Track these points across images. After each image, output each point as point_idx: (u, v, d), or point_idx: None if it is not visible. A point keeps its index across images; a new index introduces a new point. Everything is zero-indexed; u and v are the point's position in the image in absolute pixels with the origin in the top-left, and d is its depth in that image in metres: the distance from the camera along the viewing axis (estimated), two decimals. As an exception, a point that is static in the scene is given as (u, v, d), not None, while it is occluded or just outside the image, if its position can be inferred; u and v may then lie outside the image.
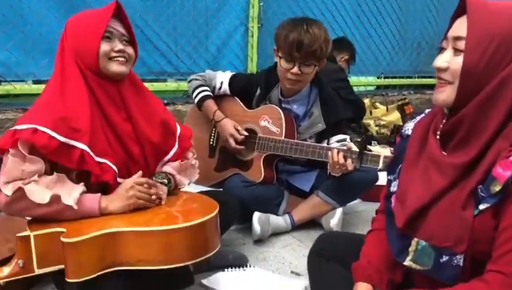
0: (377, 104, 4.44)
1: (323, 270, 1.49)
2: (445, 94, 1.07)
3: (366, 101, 4.37)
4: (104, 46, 1.49)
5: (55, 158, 1.42)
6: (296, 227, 2.39)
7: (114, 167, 1.53)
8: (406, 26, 4.88)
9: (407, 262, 1.15)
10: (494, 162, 1.02)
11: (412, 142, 1.23)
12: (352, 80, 4.51)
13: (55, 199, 1.38)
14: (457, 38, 1.05)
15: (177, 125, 1.81)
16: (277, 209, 2.34)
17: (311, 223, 2.42)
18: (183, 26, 3.61)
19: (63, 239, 1.32)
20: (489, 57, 1.00)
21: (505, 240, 1.00)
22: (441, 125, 1.13)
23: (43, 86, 3.12)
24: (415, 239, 1.12)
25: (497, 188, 1.00)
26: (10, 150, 1.38)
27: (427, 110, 1.30)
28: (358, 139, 1.99)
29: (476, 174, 1.04)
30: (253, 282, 1.90)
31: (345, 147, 2.06)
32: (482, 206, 1.03)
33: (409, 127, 1.31)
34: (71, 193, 1.42)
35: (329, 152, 2.05)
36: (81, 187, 1.46)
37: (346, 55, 3.51)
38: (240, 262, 2.01)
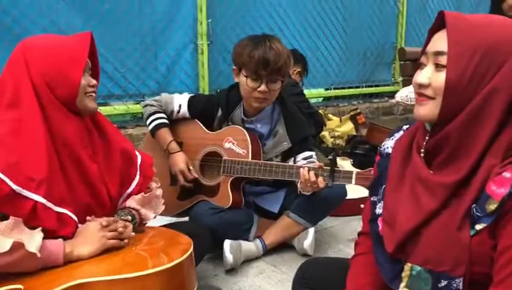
0: (330, 115, 4.45)
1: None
2: (427, 109, 1.03)
3: (320, 112, 4.37)
4: (83, 81, 1.39)
5: (4, 207, 1.25)
6: (268, 251, 2.28)
7: (74, 218, 1.39)
8: (352, 37, 4.95)
9: (402, 289, 1.07)
10: (486, 179, 0.97)
11: (394, 161, 1.16)
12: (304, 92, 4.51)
13: (17, 246, 1.20)
14: (438, 54, 1.01)
15: (137, 153, 1.68)
16: (247, 235, 2.23)
17: (284, 246, 2.33)
18: (130, 47, 3.45)
19: None
20: (472, 71, 0.96)
21: (506, 263, 0.94)
22: (424, 143, 1.08)
23: None
24: (408, 264, 1.06)
25: (493, 206, 0.95)
26: None
27: (405, 127, 1.25)
28: (330, 157, 1.94)
29: (469, 193, 0.99)
30: (231, 317, 1.78)
31: (312, 165, 2.00)
32: (478, 227, 0.97)
33: (388, 145, 1.25)
34: (32, 240, 1.24)
35: (301, 170, 1.98)
36: (40, 233, 1.28)
37: (298, 68, 3.46)
38: (217, 297, 1.88)
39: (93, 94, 1.45)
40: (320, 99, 5.21)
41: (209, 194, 2.21)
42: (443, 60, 0.99)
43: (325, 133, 4.28)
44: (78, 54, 1.38)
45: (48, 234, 1.32)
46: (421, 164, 1.08)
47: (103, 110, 3.34)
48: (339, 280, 1.27)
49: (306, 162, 2.19)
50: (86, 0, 3.19)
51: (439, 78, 0.99)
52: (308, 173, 1.96)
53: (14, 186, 1.25)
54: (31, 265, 1.26)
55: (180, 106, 2.27)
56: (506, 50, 0.96)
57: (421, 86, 1.03)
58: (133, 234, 1.50)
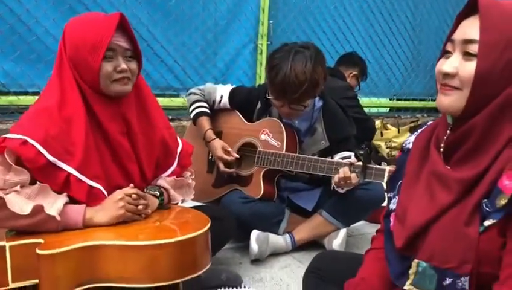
0: (388, 125, 4.33)
1: (319, 291, 1.38)
2: (452, 99, 0.96)
3: (377, 122, 4.27)
4: (107, 67, 1.38)
5: (39, 176, 1.34)
6: (297, 248, 2.27)
7: (105, 193, 1.45)
8: (419, 48, 4.80)
9: (407, 286, 1.03)
10: (500, 173, 0.91)
11: (412, 157, 1.13)
12: (364, 101, 4.43)
13: (38, 209, 1.30)
14: (468, 42, 0.94)
15: (179, 141, 1.73)
16: (277, 228, 2.23)
17: (313, 244, 2.30)
18: (192, 42, 3.58)
19: (38, 251, 1.23)
20: (504, 63, 0.90)
21: (508, 263, 0.89)
22: (445, 137, 1.03)
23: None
24: (416, 260, 1.01)
25: (503, 201, 0.89)
26: None
27: (429, 122, 1.20)
28: (361, 152, 1.89)
29: (480, 187, 0.94)
30: (246, 304, 1.78)
31: (346, 160, 1.96)
32: (487, 222, 0.92)
33: (410, 141, 1.21)
34: (54, 204, 1.34)
35: (333, 166, 1.95)
36: (64, 198, 1.37)
37: (354, 71, 3.38)
38: (234, 282, 1.89)
39: (124, 79, 1.42)
40: (384, 109, 5.08)
41: (242, 184, 2.23)
42: (473, 48, 0.92)
43: (381, 143, 4.18)
44: (99, 38, 1.36)
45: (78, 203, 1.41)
46: (438, 159, 1.04)
47: (161, 101, 3.48)
48: (350, 273, 1.25)
49: (343, 161, 2.15)
50: (152, -6, 3.36)
51: (468, 68, 0.93)
52: (342, 168, 1.93)
53: (50, 157, 1.34)
54: (52, 227, 1.34)
55: (222, 96, 2.32)
56: None
57: (446, 75, 0.96)
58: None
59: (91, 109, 1.43)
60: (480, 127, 0.94)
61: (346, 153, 2.20)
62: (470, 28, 0.94)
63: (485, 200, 0.93)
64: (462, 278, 0.94)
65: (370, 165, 1.88)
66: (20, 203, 1.29)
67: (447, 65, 0.96)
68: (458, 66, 0.95)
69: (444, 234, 0.97)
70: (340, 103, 2.36)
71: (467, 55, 0.94)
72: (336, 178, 1.94)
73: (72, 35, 1.41)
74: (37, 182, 1.34)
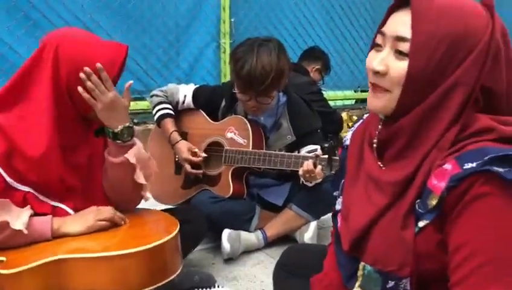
0: (354, 117, 4.39)
1: (288, 286, 1.39)
2: (383, 102, 0.93)
3: (343, 114, 4.32)
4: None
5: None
6: (269, 243, 2.28)
7: (71, 212, 1.44)
8: (380, 39, 4.87)
9: (356, 289, 1.03)
10: (429, 172, 0.90)
11: (350, 155, 1.10)
12: (329, 94, 4.48)
13: (3, 225, 1.27)
14: (399, 39, 0.89)
15: None
16: (248, 225, 2.23)
17: (285, 239, 2.31)
18: (153, 44, 3.55)
19: (0, 271, 1.20)
20: (436, 63, 0.87)
21: (460, 263, 0.86)
22: (377, 132, 1.00)
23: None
24: (362, 263, 1.01)
25: (434, 201, 0.87)
26: None
27: (365, 116, 1.16)
28: (326, 145, 1.90)
29: (412, 189, 0.92)
30: (220, 303, 1.78)
31: (311, 154, 1.97)
32: (421, 223, 0.90)
33: (347, 137, 1.18)
34: (19, 218, 1.30)
35: (299, 160, 1.97)
36: (28, 210, 1.34)
37: (317, 65, 3.42)
38: (207, 283, 1.88)
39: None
40: (350, 102, 5.15)
41: (211, 184, 2.23)
42: (405, 47, 0.88)
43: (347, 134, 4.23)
44: (106, 70, 1.36)
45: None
46: (371, 159, 1.01)
47: (125, 104, 3.45)
48: (319, 266, 1.25)
49: (309, 155, 2.17)
50: (110, -3, 3.31)
51: (399, 68, 0.89)
52: (307, 162, 1.94)
53: (8, 179, 1.32)
54: (20, 241, 1.31)
55: (185, 96, 2.31)
56: (472, 42, 0.87)
57: (376, 73, 0.92)
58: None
59: (59, 128, 1.39)
60: (409, 127, 0.91)
61: (312, 147, 2.22)
62: (402, 25, 0.89)
63: (418, 201, 0.91)
64: (403, 280, 0.93)
65: (335, 157, 1.90)
66: None
67: (377, 61, 0.91)
68: (389, 63, 0.91)
69: (384, 238, 0.96)
70: (305, 98, 2.38)
71: (398, 53, 0.90)
72: (300, 171, 1.95)
73: (73, 56, 1.36)
74: None
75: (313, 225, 2.28)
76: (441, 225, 0.89)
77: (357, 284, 1.02)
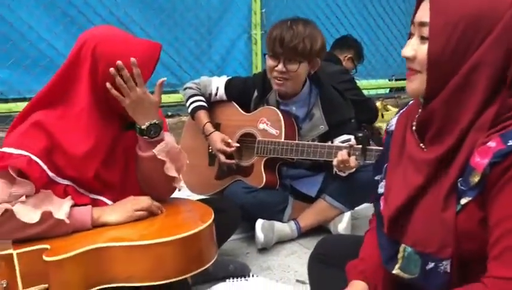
0: (389, 106, 4.33)
1: (323, 276, 1.39)
2: (416, 83, 0.98)
3: (378, 104, 4.26)
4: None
5: (43, 188, 1.37)
6: (303, 234, 2.28)
7: (109, 203, 1.49)
8: (415, 26, 4.76)
9: (396, 271, 1.05)
10: (471, 152, 0.92)
11: (394, 139, 1.13)
12: (363, 83, 4.42)
13: (46, 215, 1.32)
14: (421, 24, 0.95)
15: None
16: (281, 216, 2.24)
17: (319, 229, 2.31)
18: (185, 37, 3.59)
19: (45, 258, 1.25)
20: (455, 43, 0.90)
21: (499, 237, 0.88)
22: (417, 116, 1.04)
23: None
24: (403, 245, 1.02)
25: (476, 178, 0.90)
26: None
27: (411, 102, 1.19)
28: (360, 134, 1.89)
29: (454, 168, 0.94)
30: (255, 292, 1.80)
31: (345, 144, 1.96)
32: (463, 201, 0.93)
33: (393, 123, 1.20)
34: (61, 208, 1.35)
35: (333, 150, 1.96)
36: (69, 201, 1.40)
37: (349, 54, 3.37)
38: (242, 272, 1.91)
39: None
40: (384, 91, 5.06)
41: (244, 174, 2.24)
42: (426, 31, 0.93)
43: (382, 124, 4.17)
44: (142, 69, 1.38)
45: None
46: (412, 141, 1.05)
47: (159, 98, 3.51)
48: (354, 256, 1.25)
49: (343, 145, 2.15)
50: (143, -9, 3.36)
51: (423, 51, 0.94)
52: (340, 152, 1.93)
53: (51, 174, 1.37)
54: (62, 230, 1.37)
55: (217, 88, 2.33)
56: (491, 21, 0.89)
57: (408, 59, 0.99)
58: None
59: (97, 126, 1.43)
60: (439, 108, 0.95)
61: (345, 137, 2.20)
62: (424, 11, 0.95)
63: (460, 179, 0.93)
64: (444, 262, 0.94)
65: (369, 147, 1.88)
66: (28, 213, 1.30)
67: (406, 49, 0.99)
68: (416, 48, 0.96)
69: (424, 220, 0.98)
70: (338, 87, 2.35)
71: (422, 38, 0.95)
72: (334, 162, 1.94)
73: (111, 55, 1.38)
74: (41, 190, 1.36)
75: (347, 215, 2.27)
76: (483, 202, 0.91)
77: (397, 266, 1.04)
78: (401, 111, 1.18)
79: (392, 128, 1.18)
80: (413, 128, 1.05)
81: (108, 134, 1.46)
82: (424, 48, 0.94)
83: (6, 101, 3.05)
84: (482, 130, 0.91)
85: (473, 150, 0.91)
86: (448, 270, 0.94)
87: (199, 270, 1.41)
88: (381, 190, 1.16)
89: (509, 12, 0.89)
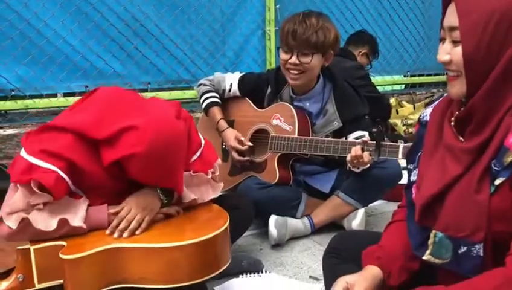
0: (404, 102, 4.29)
1: (337, 272, 1.37)
2: (457, 87, 1.01)
3: (392, 100, 4.22)
4: None
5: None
6: (317, 230, 2.28)
7: None
8: (430, 22, 4.69)
9: (426, 256, 1.06)
10: (506, 134, 0.94)
11: (430, 130, 1.15)
12: (378, 79, 4.38)
13: (63, 223, 1.34)
14: (451, 29, 0.98)
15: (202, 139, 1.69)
16: (295, 212, 2.24)
17: (333, 226, 2.30)
18: (199, 33, 3.58)
19: (62, 256, 1.27)
20: (489, 39, 0.93)
21: None
22: (457, 112, 1.07)
23: (62, 100, 3.21)
24: (433, 231, 1.04)
25: (510, 158, 0.92)
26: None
27: (446, 94, 1.22)
28: (374, 130, 1.88)
29: (488, 152, 0.97)
30: (268, 288, 1.80)
31: (359, 140, 1.95)
32: (497, 181, 0.94)
33: (427, 113, 1.23)
34: (77, 212, 1.37)
35: (346, 146, 1.95)
36: (85, 202, 1.41)
37: (364, 49, 3.34)
38: (255, 268, 1.91)
39: None
40: (399, 87, 5.01)
41: (258, 170, 2.24)
42: (457, 35, 0.96)
43: (397, 120, 4.14)
44: None
45: None
46: (450, 133, 1.07)
47: (173, 94, 3.53)
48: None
49: (357, 140, 2.14)
50: (157, -13, 3.36)
51: (458, 53, 0.97)
52: (354, 147, 1.92)
53: (73, 188, 1.39)
54: (79, 232, 1.39)
55: (231, 85, 2.33)
56: None
57: (444, 63, 1.01)
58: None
59: None
60: (480, 104, 0.97)
61: (360, 133, 2.19)
62: (452, 16, 0.97)
63: (494, 161, 0.95)
64: (476, 246, 0.96)
65: (383, 143, 1.87)
66: (45, 220, 1.32)
67: (441, 54, 1.01)
68: (450, 51, 0.99)
69: (457, 204, 0.99)
70: (352, 83, 2.34)
71: (454, 42, 0.98)
72: (348, 157, 1.93)
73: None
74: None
75: (361, 212, 2.26)
76: None
77: (428, 252, 1.06)
78: (436, 102, 1.21)
79: (426, 118, 1.21)
80: (452, 123, 1.07)
81: None
82: (458, 50, 0.96)
83: (23, 97, 3.08)
84: None
85: (507, 132, 0.94)
86: (481, 254, 0.95)
87: (213, 275, 1.41)
88: (413, 178, 1.18)
89: None
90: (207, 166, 1.65)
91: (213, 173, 1.69)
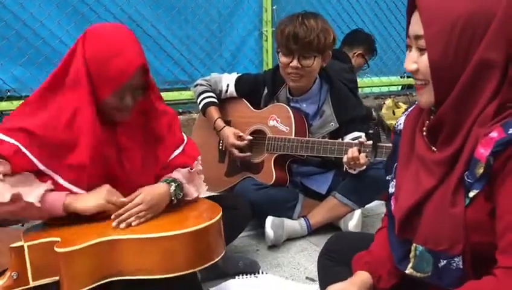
0: (400, 103, 4.29)
1: (333, 273, 1.38)
2: (425, 96, 1.00)
3: (389, 101, 4.23)
4: (114, 101, 1.41)
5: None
6: (313, 231, 2.27)
7: None
8: (427, 22, 4.71)
9: (409, 270, 1.06)
10: (475, 145, 0.93)
11: (403, 140, 1.14)
12: (374, 80, 4.39)
13: (16, 197, 1.31)
14: (417, 38, 0.96)
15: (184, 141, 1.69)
16: (291, 213, 2.24)
17: (329, 227, 2.30)
18: (196, 34, 3.58)
19: (56, 249, 1.26)
20: (455, 46, 0.91)
21: (503, 231, 0.90)
22: (427, 122, 1.06)
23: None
24: (414, 244, 1.03)
25: (481, 170, 0.91)
26: None
27: (417, 102, 1.20)
28: (371, 131, 1.88)
29: (460, 163, 0.96)
30: (265, 289, 1.80)
31: (355, 141, 1.95)
32: (472, 194, 0.94)
33: (401, 122, 1.22)
34: (35, 191, 1.35)
35: (343, 147, 1.95)
36: (47, 185, 1.38)
37: (359, 50, 3.27)
38: (252, 269, 1.91)
39: (126, 113, 1.46)
40: (396, 88, 5.02)
41: (254, 171, 2.24)
42: (423, 43, 0.95)
43: (393, 121, 4.14)
44: (121, 70, 1.37)
45: None
46: (422, 144, 1.06)
47: (170, 95, 3.52)
48: (363, 253, 1.26)
49: (353, 142, 2.14)
50: (154, -12, 3.36)
51: (424, 62, 0.95)
52: (351, 149, 1.92)
53: (41, 167, 1.37)
54: (34, 213, 1.37)
55: (228, 85, 2.33)
56: (486, 18, 0.90)
57: (412, 72, 1.00)
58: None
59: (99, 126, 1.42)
60: (449, 113, 0.96)
61: (356, 134, 2.19)
62: (417, 24, 0.96)
63: (466, 172, 0.94)
64: (456, 258, 0.95)
65: (380, 144, 1.87)
66: (2, 191, 1.30)
67: (407, 63, 1.00)
68: (417, 60, 0.98)
69: (433, 217, 0.99)
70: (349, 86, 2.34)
71: (420, 50, 0.97)
72: (344, 159, 1.93)
73: (97, 52, 1.41)
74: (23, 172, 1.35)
75: (358, 213, 2.26)
76: (490, 193, 0.92)
77: (410, 265, 1.05)
78: (409, 110, 1.19)
79: (400, 127, 1.19)
80: (424, 133, 1.05)
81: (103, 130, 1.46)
82: (425, 58, 0.95)
83: (19, 98, 3.07)
84: (485, 123, 0.92)
85: (477, 143, 0.92)
86: (461, 266, 0.95)
87: (207, 264, 1.41)
88: (391, 190, 1.16)
89: (502, 6, 0.90)
90: (191, 159, 1.65)
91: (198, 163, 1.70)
